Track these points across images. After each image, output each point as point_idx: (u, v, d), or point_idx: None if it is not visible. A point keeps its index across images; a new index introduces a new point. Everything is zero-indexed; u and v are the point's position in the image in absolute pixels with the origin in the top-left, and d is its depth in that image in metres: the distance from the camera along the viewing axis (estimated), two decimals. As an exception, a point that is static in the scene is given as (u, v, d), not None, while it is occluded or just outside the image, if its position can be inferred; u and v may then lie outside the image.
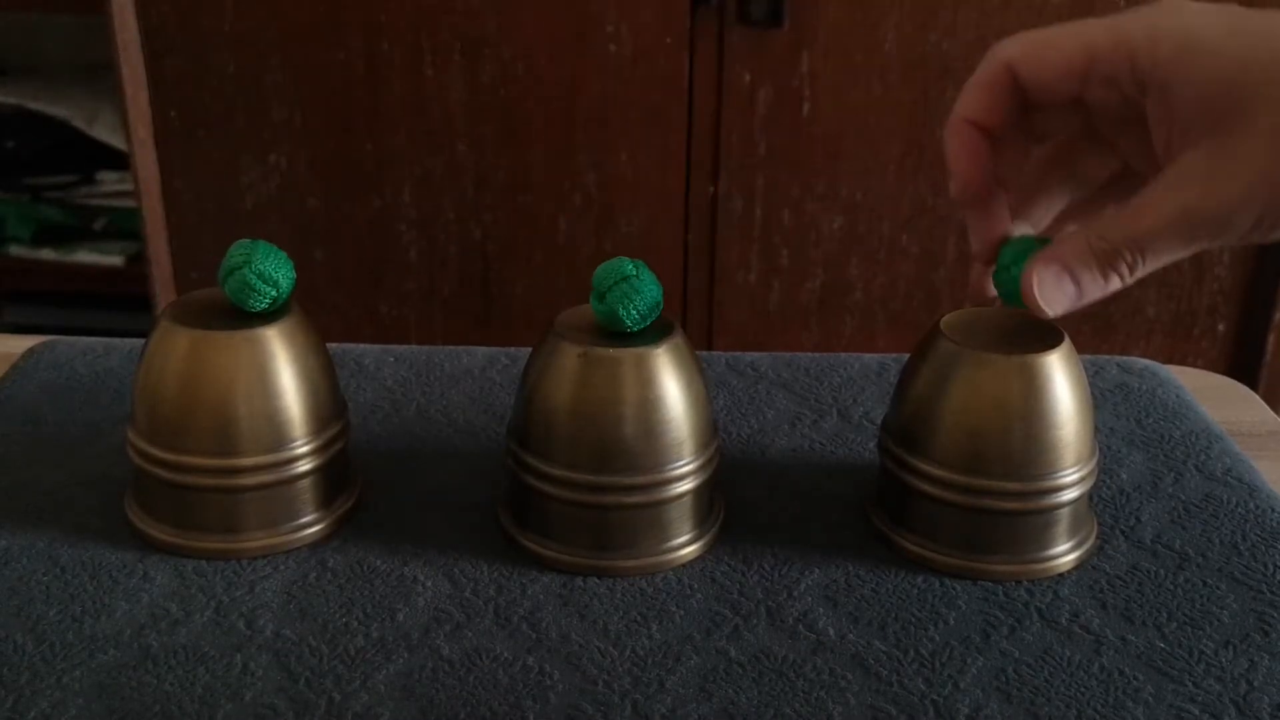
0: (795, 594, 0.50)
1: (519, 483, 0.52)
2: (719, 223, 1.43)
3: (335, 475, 0.54)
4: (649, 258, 0.52)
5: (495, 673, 0.45)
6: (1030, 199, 0.51)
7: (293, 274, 0.51)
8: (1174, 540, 0.54)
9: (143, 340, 0.52)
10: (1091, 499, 0.55)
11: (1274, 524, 0.55)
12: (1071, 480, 0.51)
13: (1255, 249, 1.41)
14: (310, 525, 0.52)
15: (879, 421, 0.58)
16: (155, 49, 1.40)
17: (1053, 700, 0.45)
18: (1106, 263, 0.44)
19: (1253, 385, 1.42)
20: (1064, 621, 0.49)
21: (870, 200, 1.41)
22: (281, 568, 0.51)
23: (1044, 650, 0.47)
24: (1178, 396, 0.67)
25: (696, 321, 1.48)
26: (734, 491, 0.57)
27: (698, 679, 0.45)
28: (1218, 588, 0.51)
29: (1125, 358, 0.72)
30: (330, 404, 0.53)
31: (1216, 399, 0.69)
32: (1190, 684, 0.45)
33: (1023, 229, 0.51)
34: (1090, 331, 1.45)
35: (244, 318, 0.51)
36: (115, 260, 1.76)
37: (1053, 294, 0.45)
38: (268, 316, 0.51)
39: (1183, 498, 0.57)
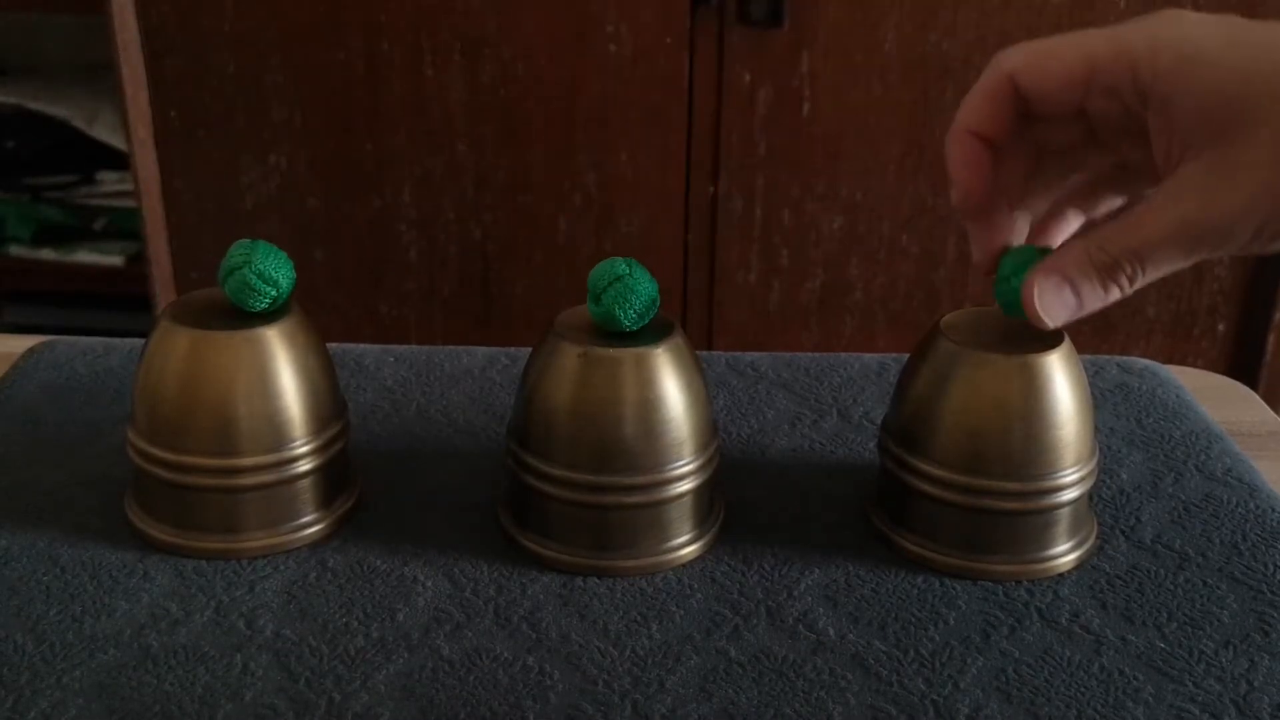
0: (795, 594, 0.50)
1: (519, 483, 0.52)
2: (719, 223, 1.43)
3: (335, 475, 0.54)
4: (649, 258, 0.52)
5: (495, 673, 0.45)
6: (1028, 185, 0.51)
7: (293, 274, 0.51)
8: (1174, 540, 0.54)
9: (143, 340, 0.52)
10: (1091, 499, 0.55)
11: (1274, 524, 0.55)
12: (1071, 480, 0.51)
13: (1255, 249, 1.41)
14: (310, 525, 0.52)
15: (879, 421, 0.58)
16: (155, 49, 1.40)
17: (1053, 700, 0.45)
18: (1106, 273, 0.44)
19: (1253, 385, 1.42)
20: (1064, 621, 0.49)
21: (870, 200, 1.41)
22: (281, 568, 0.51)
23: (1044, 650, 0.47)
24: (1178, 396, 0.67)
25: (696, 321, 1.48)
26: (734, 491, 0.57)
27: (698, 679, 0.45)
28: (1218, 588, 0.51)
29: (1125, 358, 0.72)
30: (330, 404, 0.53)
31: (1216, 399, 0.69)
32: (1190, 684, 0.45)
33: (1021, 218, 0.51)
34: (1090, 331, 1.45)
35: (244, 318, 0.51)
36: (115, 260, 1.76)
37: (1053, 304, 0.45)
38: (268, 316, 0.51)
39: (1183, 498, 0.57)
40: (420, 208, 1.45)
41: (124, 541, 0.52)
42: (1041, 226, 0.52)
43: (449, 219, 1.45)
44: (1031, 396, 0.50)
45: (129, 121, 1.42)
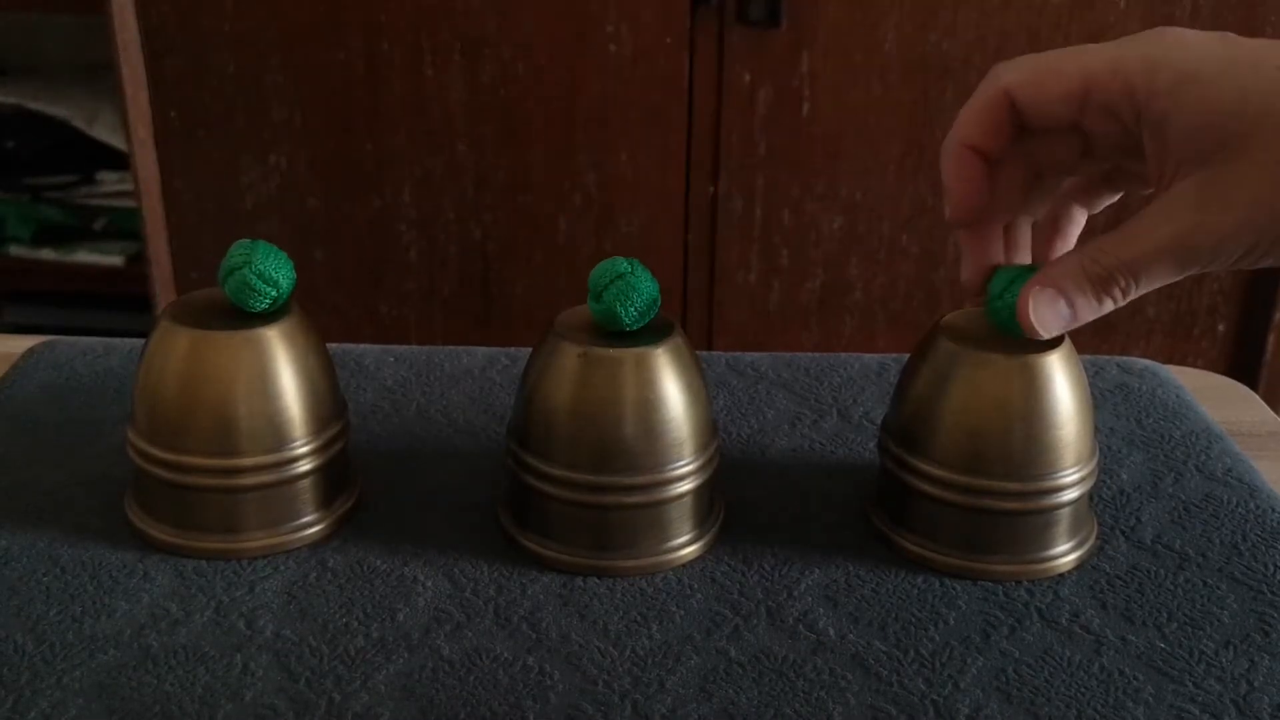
0: (795, 594, 0.50)
1: (519, 483, 0.52)
2: (719, 223, 1.43)
3: (335, 475, 0.54)
4: (649, 258, 0.52)
5: (495, 673, 0.45)
6: (1025, 196, 0.51)
7: (293, 274, 0.51)
8: (1174, 540, 0.54)
9: (143, 340, 0.52)
10: (1092, 499, 0.55)
11: (1274, 524, 0.55)
12: (1072, 480, 0.51)
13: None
14: (310, 525, 0.52)
15: (879, 421, 0.58)
16: (155, 49, 1.40)
17: (1053, 700, 0.45)
18: (1100, 286, 0.45)
19: (1253, 385, 1.42)
20: (1064, 621, 0.49)
21: (870, 200, 1.41)
22: (281, 568, 0.51)
23: (1044, 650, 0.47)
24: (1178, 396, 0.67)
25: (696, 321, 1.48)
26: (734, 491, 0.57)
27: (698, 679, 0.45)
28: (1218, 588, 0.51)
29: (1125, 358, 0.72)
30: (330, 404, 0.53)
31: (1216, 399, 0.69)
32: (1190, 684, 0.45)
33: (1023, 224, 0.51)
34: (1090, 331, 1.45)
35: (244, 318, 0.51)
36: (115, 260, 1.76)
37: (1047, 315, 0.46)
38: (268, 316, 0.51)
39: (1183, 498, 0.57)
40: (420, 208, 1.45)
41: (124, 541, 0.52)
42: (1049, 224, 0.52)
43: (449, 219, 1.45)
44: (1031, 396, 0.50)
45: (129, 121, 1.42)
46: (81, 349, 0.69)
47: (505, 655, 0.46)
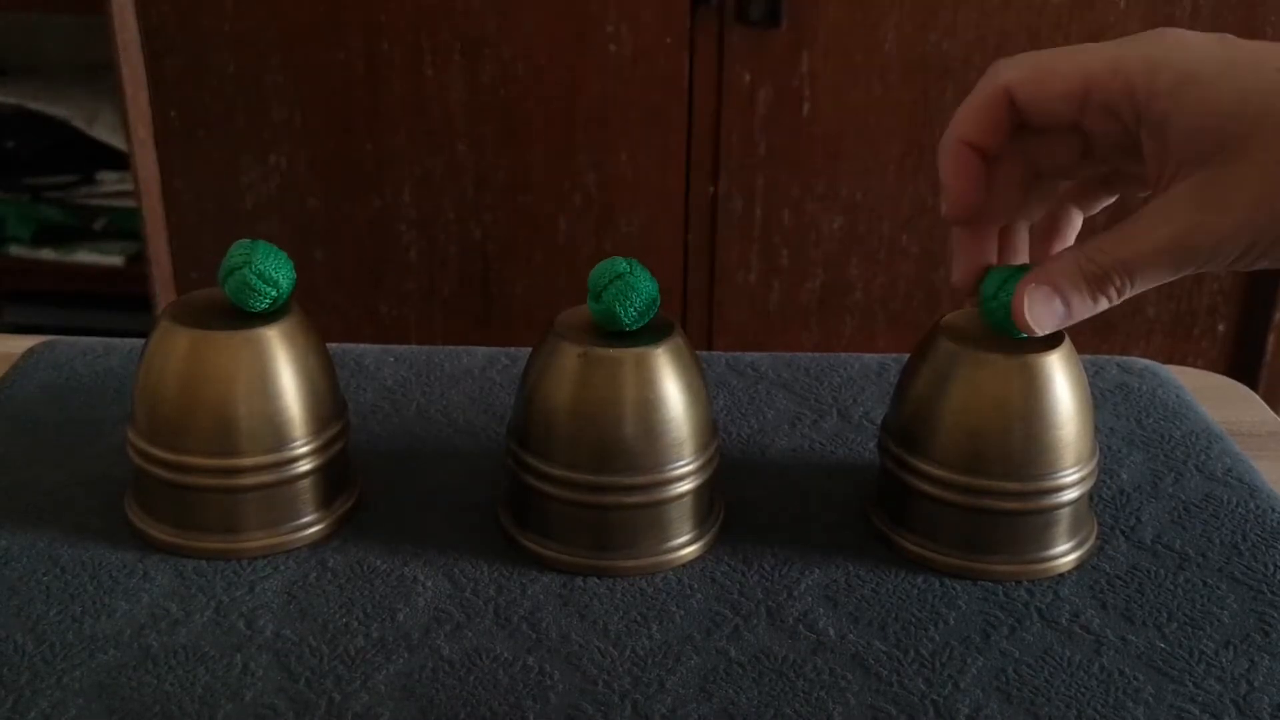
0: (795, 594, 0.50)
1: (519, 483, 0.52)
2: (719, 223, 1.43)
3: (335, 475, 0.54)
4: (649, 258, 0.53)
5: (495, 673, 0.45)
6: (1024, 195, 0.51)
7: (293, 274, 0.51)
8: (1174, 540, 0.54)
9: (143, 340, 0.52)
10: (1092, 499, 0.55)
11: (1274, 524, 0.55)
12: (1071, 480, 0.51)
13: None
14: (310, 525, 0.52)
15: (879, 421, 0.58)
16: (155, 49, 1.40)
17: (1053, 700, 0.45)
18: (1095, 285, 0.45)
19: (1253, 385, 1.42)
20: (1064, 621, 0.49)
21: (870, 200, 1.41)
22: (281, 568, 0.51)
23: (1044, 650, 0.47)
24: (1178, 396, 0.67)
25: (696, 321, 1.48)
26: (734, 491, 0.57)
27: (698, 679, 0.45)
28: (1218, 588, 0.51)
29: (1125, 358, 0.72)
30: (330, 404, 0.53)
31: (1216, 399, 0.69)
32: (1190, 684, 0.45)
33: (1020, 226, 0.51)
34: (1090, 331, 1.45)
35: (244, 318, 0.51)
36: (115, 260, 1.76)
37: (1042, 313, 0.46)
38: (268, 316, 0.51)
39: (1183, 498, 0.57)
40: (420, 208, 1.45)
41: (124, 541, 0.52)
42: (1046, 226, 0.52)
43: (449, 219, 1.45)
44: (1031, 396, 0.50)
45: (129, 121, 1.42)
46: (81, 349, 0.69)
47: (505, 655, 0.46)
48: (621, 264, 0.50)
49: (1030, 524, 0.51)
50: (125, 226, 1.75)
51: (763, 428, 0.63)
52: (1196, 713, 0.44)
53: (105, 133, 1.74)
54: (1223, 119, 0.41)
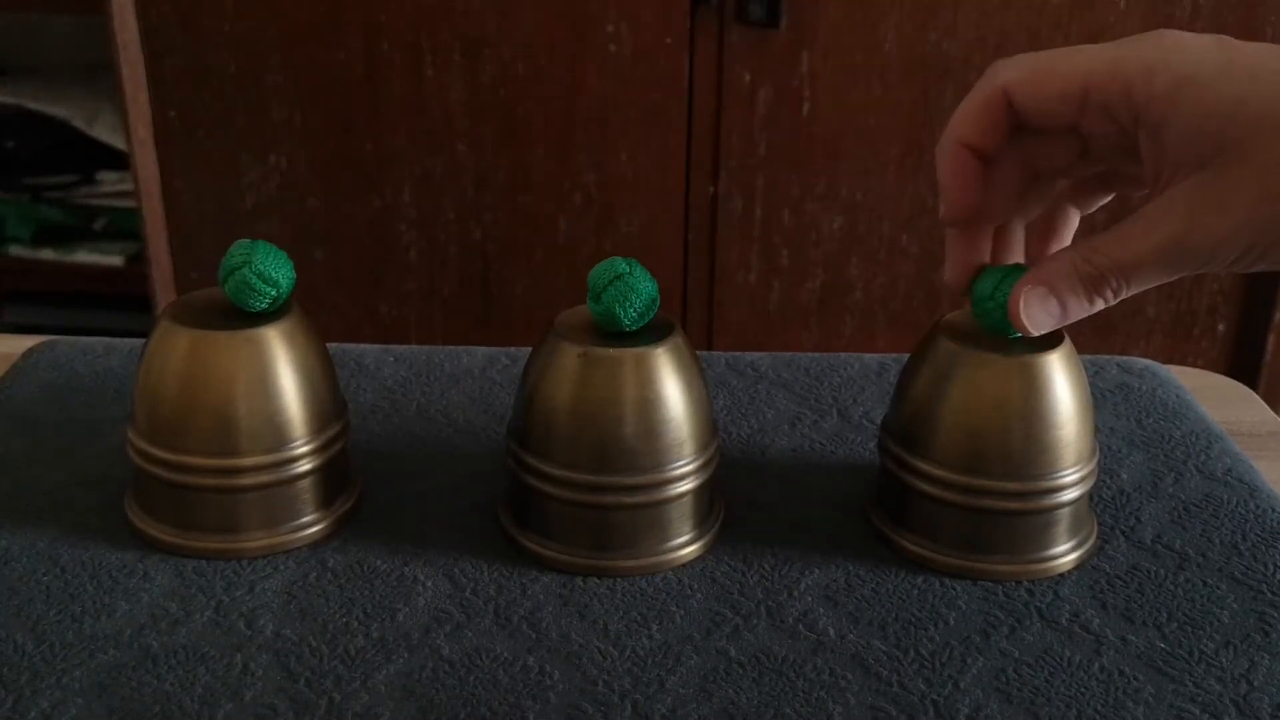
0: (795, 594, 0.50)
1: (519, 483, 0.52)
2: (719, 223, 1.43)
3: (335, 475, 0.54)
4: (649, 258, 0.53)
5: (495, 673, 0.45)
6: (1021, 195, 0.51)
7: (293, 274, 0.51)
8: (1174, 540, 0.54)
9: (143, 340, 0.52)
10: (1092, 499, 0.55)
11: (1274, 524, 0.55)
12: (1071, 480, 0.51)
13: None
14: (310, 525, 0.52)
15: (879, 421, 0.58)
16: (155, 49, 1.41)
17: (1053, 700, 0.45)
18: (1091, 286, 0.45)
19: (1253, 385, 1.42)
20: (1064, 621, 0.49)
21: (870, 200, 1.41)
22: (281, 568, 0.51)
23: (1044, 650, 0.47)
24: (1178, 396, 0.67)
25: (696, 321, 1.49)
26: (734, 491, 0.57)
27: (698, 679, 0.45)
28: (1218, 588, 0.51)
29: (1125, 358, 0.72)
30: (330, 404, 0.53)
31: (1216, 399, 0.69)
32: (1190, 684, 0.45)
33: (1017, 226, 0.51)
34: (1090, 331, 1.45)
35: (244, 318, 0.51)
36: (115, 260, 1.76)
37: (1038, 314, 0.46)
38: (268, 316, 0.51)
39: (1183, 498, 0.57)
40: (420, 208, 1.45)
41: (124, 541, 0.52)
42: (1042, 225, 0.52)
43: (449, 219, 1.46)
44: (1031, 396, 0.50)
45: (129, 121, 1.42)
46: (81, 349, 0.69)
47: (505, 655, 0.46)
48: (621, 264, 0.50)
49: (1030, 524, 0.51)
50: (125, 226, 1.75)
51: (763, 428, 0.63)
52: (1196, 713, 0.44)
53: (105, 133, 1.74)
54: (1220, 122, 0.41)
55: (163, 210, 1.48)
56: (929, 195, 1.40)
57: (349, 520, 0.54)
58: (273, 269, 0.50)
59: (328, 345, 0.54)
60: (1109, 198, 0.52)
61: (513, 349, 0.70)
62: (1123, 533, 0.55)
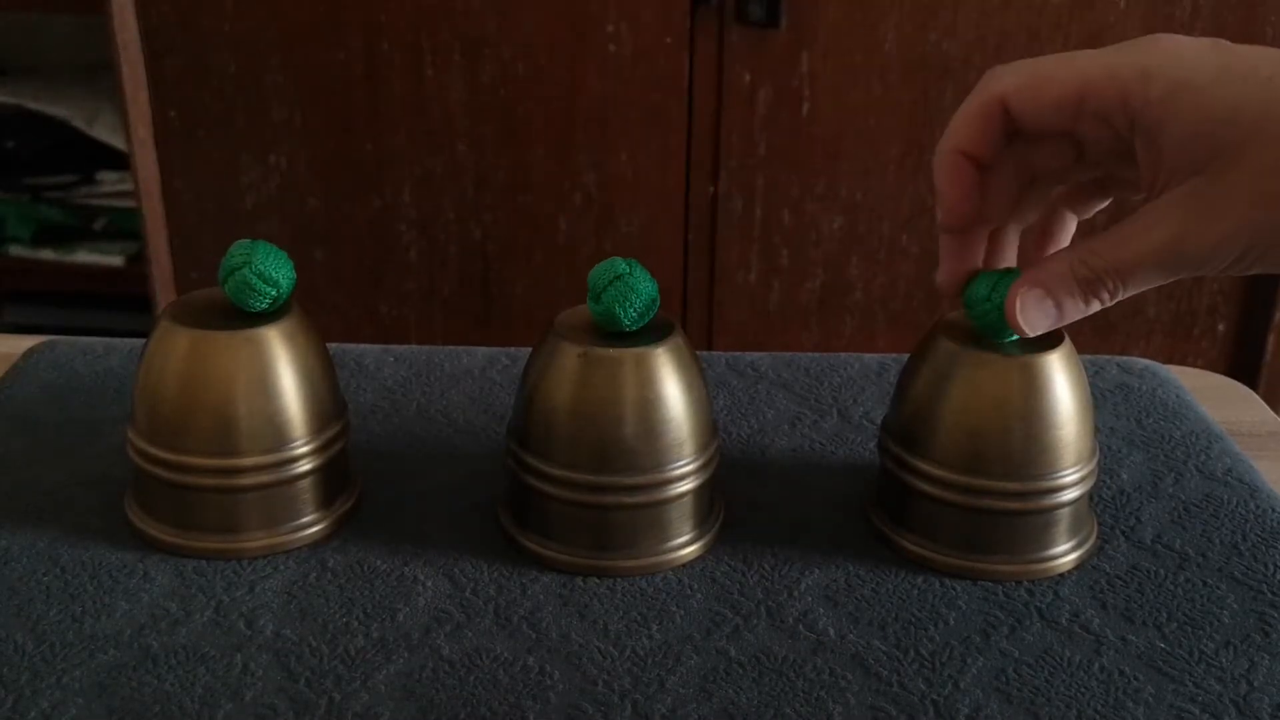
0: (795, 594, 0.50)
1: (519, 483, 0.52)
2: (719, 223, 1.43)
3: (335, 475, 0.54)
4: (649, 258, 0.53)
5: (495, 673, 0.45)
6: (1018, 201, 0.51)
7: (293, 274, 0.51)
8: (1174, 540, 0.54)
9: (143, 340, 0.52)
10: (1092, 499, 0.55)
11: (1274, 524, 0.55)
12: (1071, 480, 0.51)
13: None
14: (310, 525, 0.52)
15: (879, 421, 0.58)
16: (155, 49, 1.41)
17: (1053, 700, 0.45)
18: (1087, 288, 0.45)
19: (1253, 385, 1.42)
20: (1064, 621, 0.49)
21: (870, 200, 1.41)
22: (281, 568, 0.51)
23: (1044, 650, 0.47)
24: (1178, 396, 0.67)
25: (696, 321, 1.49)
26: (734, 491, 0.57)
27: (698, 679, 0.45)
28: (1218, 588, 0.51)
29: (1125, 358, 0.72)
30: (330, 404, 0.53)
31: (1216, 399, 0.69)
32: (1190, 684, 0.45)
33: (1012, 231, 0.52)
34: (1090, 331, 1.45)
35: (244, 318, 0.51)
36: (115, 260, 1.76)
37: (1034, 315, 0.46)
38: (268, 316, 0.51)
39: (1183, 498, 0.57)
40: (420, 208, 1.45)
41: (124, 541, 0.52)
42: (1039, 229, 0.52)
43: (449, 219, 1.46)
44: (1031, 396, 0.50)
45: (129, 121, 1.42)
46: (81, 349, 0.69)
47: (505, 655, 0.46)
48: (621, 264, 0.50)
49: (1030, 524, 0.51)
50: (125, 226, 1.75)
51: (763, 428, 0.63)
52: (1196, 713, 0.44)
53: (105, 133, 1.74)
54: (1216, 127, 0.41)
55: (163, 210, 1.48)
56: (929, 195, 1.40)
57: (349, 520, 0.54)
58: (273, 269, 0.50)
59: (328, 345, 0.54)
60: (1106, 202, 0.52)
61: (513, 349, 0.71)
62: (1123, 533, 0.55)
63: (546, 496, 0.51)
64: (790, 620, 0.48)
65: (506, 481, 0.54)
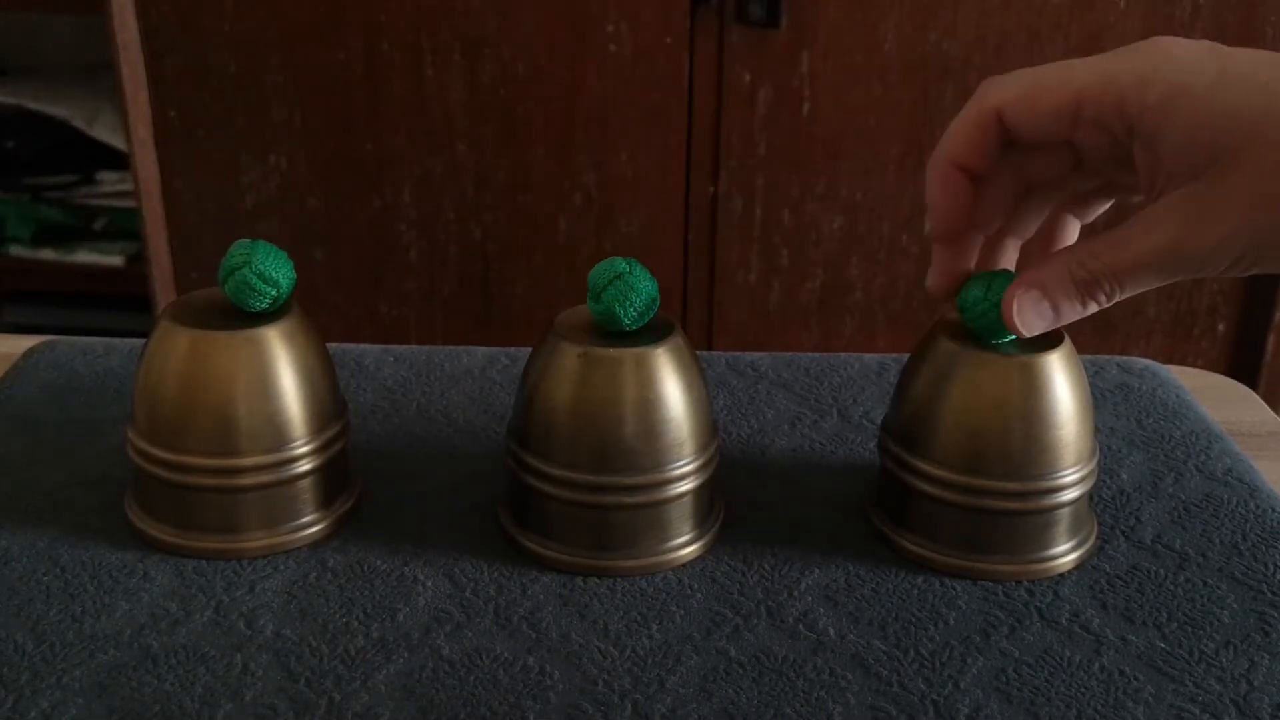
0: (795, 594, 0.50)
1: (519, 483, 0.52)
2: (719, 223, 1.43)
3: (335, 475, 0.54)
4: (649, 258, 0.53)
5: (495, 673, 0.45)
6: (1016, 209, 0.51)
7: (293, 274, 0.51)
8: (1174, 540, 0.54)
9: (143, 340, 0.52)
10: (1092, 499, 0.55)
11: (1274, 524, 0.55)
12: (1071, 480, 0.51)
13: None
14: (310, 525, 0.52)
15: (879, 421, 0.58)
16: (155, 49, 1.41)
17: (1053, 700, 0.45)
18: (1085, 290, 0.45)
19: (1253, 385, 1.42)
20: (1064, 621, 0.49)
21: (870, 200, 1.41)
22: (281, 568, 0.51)
23: (1044, 650, 0.47)
24: (1178, 396, 0.67)
25: (696, 321, 1.49)
26: (734, 491, 0.57)
27: (698, 679, 0.45)
28: (1218, 588, 0.51)
29: (1125, 358, 0.72)
30: (330, 404, 0.53)
31: (1216, 399, 0.69)
32: (1190, 684, 0.45)
33: (1011, 244, 0.52)
34: (1090, 331, 1.45)
35: (244, 318, 0.51)
36: (115, 260, 1.76)
37: (1031, 316, 0.46)
38: (268, 316, 0.51)
39: (1183, 498, 0.57)
40: (420, 208, 1.45)
41: (124, 541, 0.52)
42: (1043, 236, 0.52)
43: (449, 219, 1.46)
44: (1031, 396, 0.50)
45: (129, 121, 1.42)
46: (81, 349, 0.69)
47: (505, 655, 0.46)
48: (621, 264, 0.50)
49: (1030, 524, 0.51)
50: (125, 226, 1.75)
51: (763, 428, 0.63)
52: (1196, 713, 0.44)
53: (105, 133, 1.74)
54: (1214, 132, 0.41)
55: (163, 210, 1.48)
56: (928, 195, 1.40)
57: (349, 520, 0.54)
58: (273, 269, 0.50)
59: (328, 345, 0.54)
60: (1107, 204, 0.52)
61: (513, 349, 0.71)
62: (1123, 533, 0.55)
63: (546, 496, 0.51)
64: (790, 620, 0.48)
65: (506, 481, 0.54)
